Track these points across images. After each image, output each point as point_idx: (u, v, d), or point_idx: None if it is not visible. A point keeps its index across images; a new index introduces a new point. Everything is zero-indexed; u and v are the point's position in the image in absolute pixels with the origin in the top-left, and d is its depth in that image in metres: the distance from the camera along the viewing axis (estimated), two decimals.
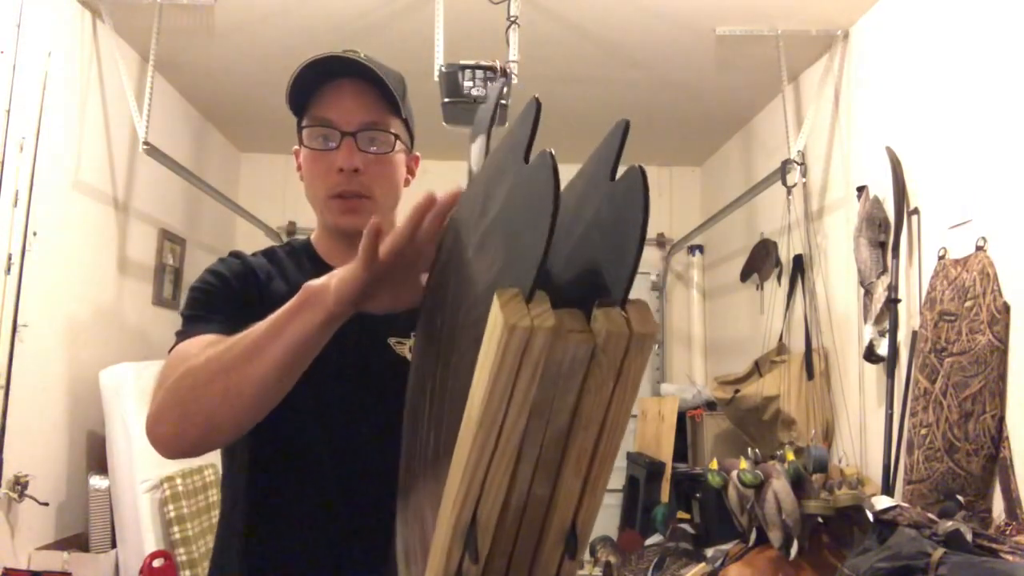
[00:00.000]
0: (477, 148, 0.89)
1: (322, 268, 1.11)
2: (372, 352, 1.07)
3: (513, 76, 2.50)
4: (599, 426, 0.51)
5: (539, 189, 0.47)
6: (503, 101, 2.45)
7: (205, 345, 0.89)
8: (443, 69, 2.47)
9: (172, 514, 2.84)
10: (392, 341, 1.08)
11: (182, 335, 1.00)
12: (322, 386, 1.01)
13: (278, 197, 4.71)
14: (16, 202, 2.55)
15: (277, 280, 1.09)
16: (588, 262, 0.53)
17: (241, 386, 0.79)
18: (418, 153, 1.19)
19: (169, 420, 0.83)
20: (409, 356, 1.07)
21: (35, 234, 2.62)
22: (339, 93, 1.06)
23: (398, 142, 1.09)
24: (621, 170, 0.52)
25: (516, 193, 0.52)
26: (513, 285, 0.47)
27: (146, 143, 2.98)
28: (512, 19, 2.63)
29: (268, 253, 1.15)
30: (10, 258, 2.53)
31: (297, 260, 1.14)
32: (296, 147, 1.14)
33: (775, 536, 2.39)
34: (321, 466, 1.05)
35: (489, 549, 0.54)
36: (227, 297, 1.04)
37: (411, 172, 1.16)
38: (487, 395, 0.47)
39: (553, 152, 0.48)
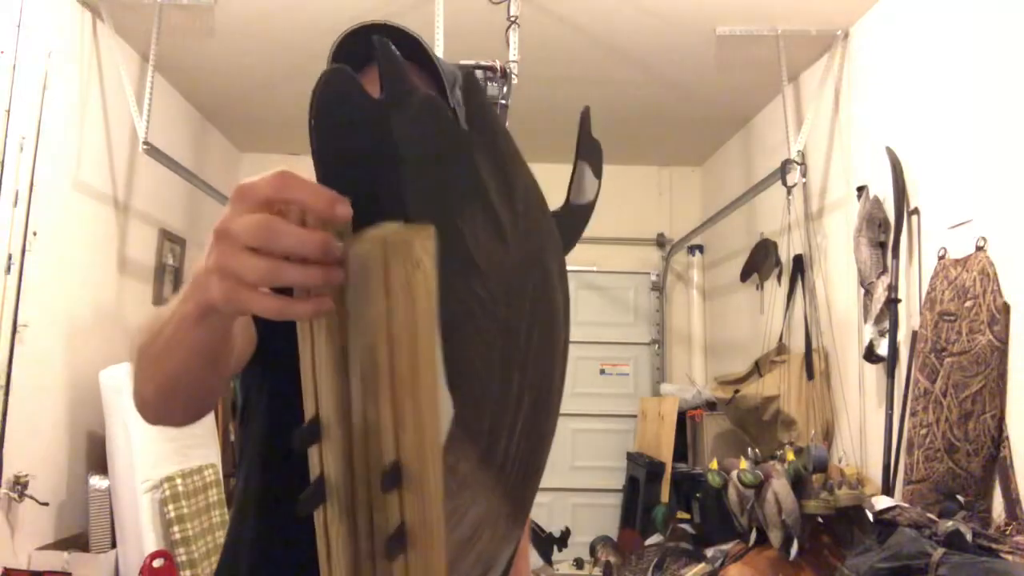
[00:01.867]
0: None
1: None
2: None
3: (513, 76, 2.50)
4: (387, 343, 0.52)
5: None
6: (503, 101, 2.45)
7: None
8: None
9: (172, 514, 2.84)
10: None
11: None
12: None
13: None
14: (16, 202, 2.55)
15: None
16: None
17: (165, 387, 0.68)
18: None
19: (136, 401, 0.75)
20: None
21: (35, 234, 2.63)
22: (376, 75, 1.02)
23: None
24: None
25: None
26: None
27: (146, 143, 2.98)
28: (512, 19, 2.63)
29: None
30: (10, 258, 2.53)
31: None
32: None
33: (775, 536, 2.40)
34: None
35: (350, 470, 0.56)
36: None
37: None
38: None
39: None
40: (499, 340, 0.65)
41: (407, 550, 0.54)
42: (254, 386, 0.98)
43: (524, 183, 0.66)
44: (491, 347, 0.64)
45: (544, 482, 0.79)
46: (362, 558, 0.56)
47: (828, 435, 3.05)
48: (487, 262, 0.61)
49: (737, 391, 3.41)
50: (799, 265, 3.41)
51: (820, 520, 2.49)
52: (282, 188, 0.49)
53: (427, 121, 0.52)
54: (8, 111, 2.49)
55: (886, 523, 2.02)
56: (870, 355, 2.63)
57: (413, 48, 1.00)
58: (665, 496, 3.70)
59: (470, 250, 0.58)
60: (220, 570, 1.06)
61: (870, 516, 2.13)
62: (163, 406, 0.72)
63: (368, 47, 0.99)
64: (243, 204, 0.49)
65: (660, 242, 4.96)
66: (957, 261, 2.28)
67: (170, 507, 2.85)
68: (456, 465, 0.59)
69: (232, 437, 3.63)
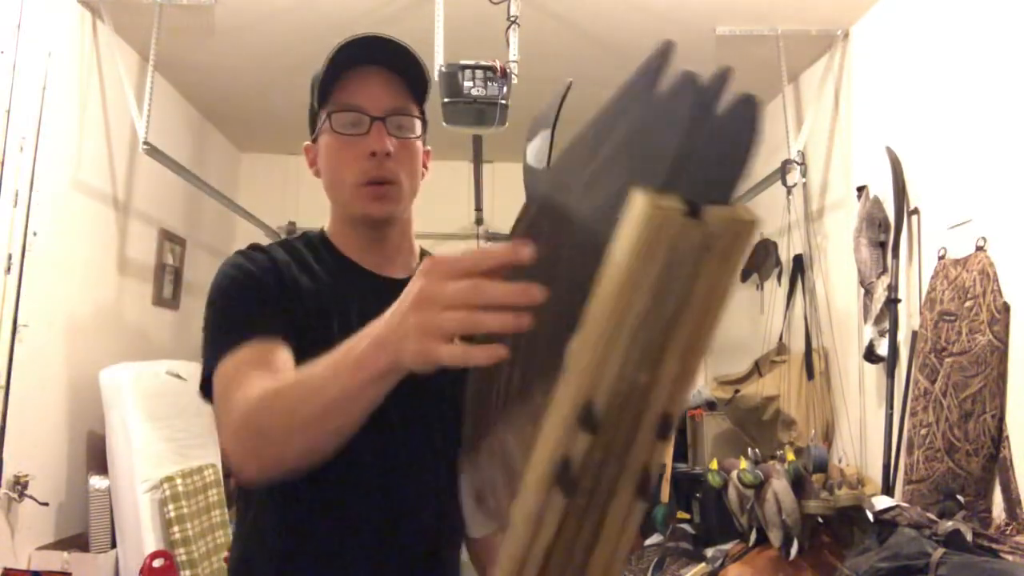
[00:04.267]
0: (539, 143, 0.91)
1: (342, 260, 1.09)
2: None
3: (513, 76, 2.50)
4: (702, 311, 0.57)
5: (675, 106, 0.55)
6: (503, 101, 2.45)
7: (263, 371, 0.85)
8: (443, 69, 2.47)
9: (172, 514, 2.84)
10: None
11: (225, 348, 0.91)
12: None
13: (278, 197, 4.71)
14: (16, 202, 2.55)
15: (300, 273, 1.06)
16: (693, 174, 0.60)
17: (317, 441, 0.75)
18: (429, 147, 1.17)
19: (244, 458, 0.80)
20: None
21: (35, 234, 2.62)
22: (365, 79, 1.04)
23: (421, 127, 1.09)
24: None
25: (646, 117, 0.59)
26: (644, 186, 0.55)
27: (146, 143, 2.98)
28: (512, 19, 2.63)
29: (285, 245, 1.11)
30: (10, 258, 2.53)
31: (315, 252, 1.10)
32: (307, 144, 1.11)
33: (775, 536, 2.40)
34: (368, 477, 1.01)
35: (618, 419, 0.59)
36: (262, 299, 0.98)
37: (424, 165, 1.14)
38: (623, 276, 0.54)
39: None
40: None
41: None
42: None
43: None
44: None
45: None
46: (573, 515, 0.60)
47: (828, 435, 3.05)
48: None
49: (737, 391, 3.41)
50: (799, 265, 3.41)
51: (820, 520, 2.49)
52: (481, 261, 0.59)
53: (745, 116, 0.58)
54: (8, 111, 2.49)
55: (886, 523, 2.02)
56: (870, 355, 2.63)
57: (390, 56, 1.04)
58: (665, 496, 3.69)
59: None
60: (240, 558, 1.06)
61: (870, 516, 2.13)
62: (302, 460, 0.77)
63: (361, 53, 1.02)
64: (444, 275, 0.59)
65: None
66: (957, 261, 2.28)
67: (170, 507, 2.84)
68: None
69: None
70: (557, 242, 0.68)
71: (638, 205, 0.53)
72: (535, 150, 0.92)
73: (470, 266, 0.58)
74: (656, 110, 0.58)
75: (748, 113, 0.58)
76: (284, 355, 0.92)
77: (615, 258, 0.54)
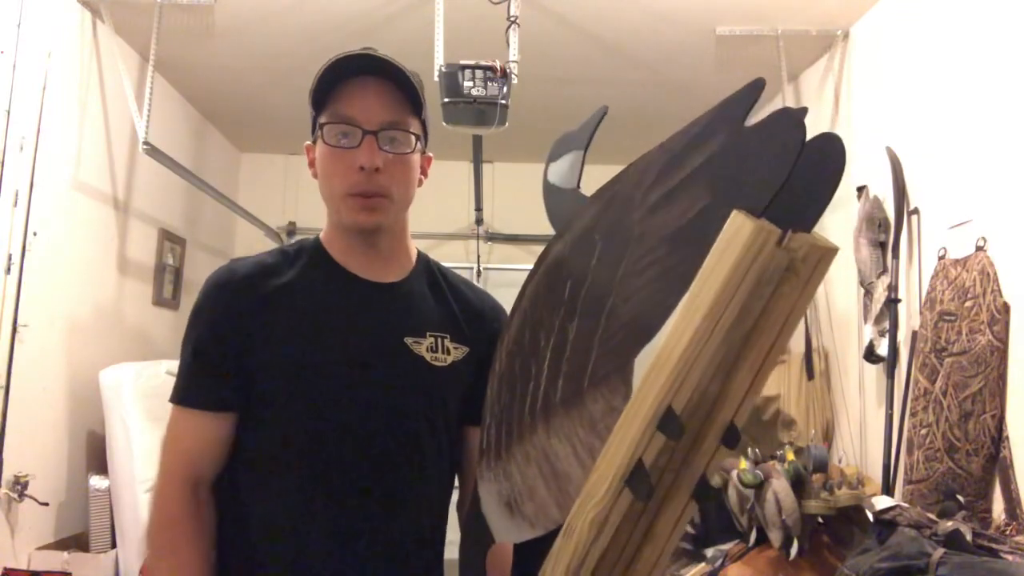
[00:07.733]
0: (566, 165, 0.92)
1: (335, 269, 1.11)
2: (390, 351, 1.08)
3: (513, 76, 2.49)
4: (779, 329, 0.60)
5: (779, 137, 0.58)
6: (503, 101, 2.45)
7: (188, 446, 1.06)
8: (443, 69, 2.47)
9: None
10: (409, 341, 1.09)
11: (179, 398, 1.10)
12: (342, 386, 1.03)
13: (278, 197, 4.71)
14: (16, 202, 2.55)
15: (287, 282, 1.08)
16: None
17: None
18: (431, 154, 1.17)
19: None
20: (426, 356, 1.09)
21: (35, 234, 2.62)
22: (362, 91, 1.05)
23: (417, 142, 1.09)
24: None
25: (746, 146, 0.62)
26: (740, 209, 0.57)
27: (146, 143, 2.98)
28: (512, 19, 2.63)
29: (278, 253, 1.13)
30: (10, 258, 2.53)
31: (309, 260, 1.12)
32: (308, 143, 1.12)
33: (775, 536, 2.40)
34: (342, 463, 1.04)
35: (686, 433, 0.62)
36: (216, 364, 1.08)
37: (424, 172, 1.15)
38: (721, 290, 0.55)
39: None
40: None
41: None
42: (251, 414, 1.11)
43: None
44: None
45: None
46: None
47: (828, 435, 3.05)
48: None
49: None
50: None
51: (820, 520, 2.49)
52: None
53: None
54: (8, 111, 2.49)
55: (886, 523, 2.02)
56: (870, 355, 2.63)
57: (387, 69, 1.05)
58: None
59: None
60: (232, 545, 1.08)
61: (870, 516, 2.13)
62: None
63: (346, 68, 1.05)
64: None
65: None
66: (957, 261, 2.28)
67: None
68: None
69: None
70: (612, 255, 0.70)
71: (745, 227, 0.55)
72: (561, 171, 0.92)
73: None
74: (758, 141, 0.61)
75: (837, 150, 0.62)
76: (217, 437, 1.07)
77: (713, 272, 0.56)
